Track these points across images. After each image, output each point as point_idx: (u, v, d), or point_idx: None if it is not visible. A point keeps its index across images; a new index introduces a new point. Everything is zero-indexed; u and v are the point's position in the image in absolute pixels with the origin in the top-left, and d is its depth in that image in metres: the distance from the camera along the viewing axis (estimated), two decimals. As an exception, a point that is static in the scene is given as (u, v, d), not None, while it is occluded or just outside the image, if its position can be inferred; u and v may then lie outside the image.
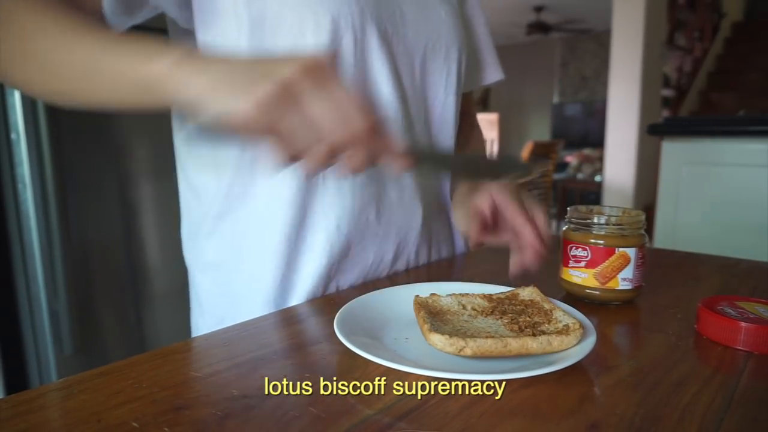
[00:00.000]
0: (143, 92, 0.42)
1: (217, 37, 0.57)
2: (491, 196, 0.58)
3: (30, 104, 1.16)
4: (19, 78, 0.49)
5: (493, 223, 0.59)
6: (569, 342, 0.40)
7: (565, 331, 0.41)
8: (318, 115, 0.38)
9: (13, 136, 1.17)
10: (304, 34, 0.56)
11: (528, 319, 0.45)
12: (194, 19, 0.57)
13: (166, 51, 0.41)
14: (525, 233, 0.56)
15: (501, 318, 0.46)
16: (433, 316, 0.45)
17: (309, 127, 0.38)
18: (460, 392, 0.36)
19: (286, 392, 0.36)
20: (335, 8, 0.55)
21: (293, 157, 0.40)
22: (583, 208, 0.57)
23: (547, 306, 0.47)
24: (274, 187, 0.59)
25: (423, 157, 0.43)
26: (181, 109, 0.41)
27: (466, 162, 0.48)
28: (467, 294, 0.51)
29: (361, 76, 0.60)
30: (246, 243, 0.61)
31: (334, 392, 0.36)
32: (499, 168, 0.46)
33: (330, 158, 0.39)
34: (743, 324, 0.43)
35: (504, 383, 0.37)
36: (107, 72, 0.43)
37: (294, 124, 0.38)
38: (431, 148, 0.49)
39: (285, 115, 0.37)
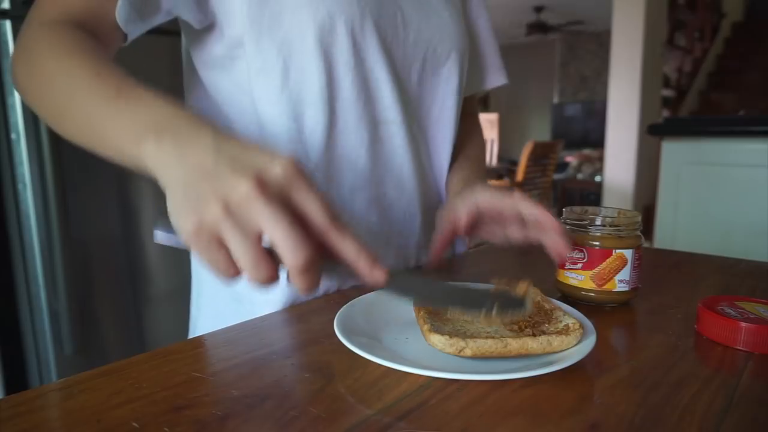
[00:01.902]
0: (135, 164, 0.41)
1: (226, 32, 0.57)
2: (475, 202, 0.57)
3: (30, 104, 1.16)
4: (33, 102, 0.51)
5: (469, 227, 0.58)
6: (569, 342, 0.40)
7: (565, 331, 0.41)
8: (271, 237, 0.33)
9: (13, 136, 1.17)
10: (303, 34, 0.56)
11: (528, 319, 0.45)
12: (212, 19, 0.57)
13: (151, 131, 0.38)
14: (543, 220, 0.52)
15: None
16: (432, 316, 0.45)
17: (254, 247, 0.34)
18: (460, 392, 0.36)
19: (286, 392, 0.36)
20: (333, 10, 0.55)
21: (236, 272, 0.35)
22: (578, 209, 0.57)
23: (547, 306, 0.47)
24: None
25: (402, 279, 0.40)
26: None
27: (453, 294, 0.42)
28: None
29: (359, 79, 0.59)
30: None
31: (334, 392, 0.36)
32: (490, 301, 0.40)
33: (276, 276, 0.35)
34: (743, 324, 0.43)
35: (504, 383, 0.37)
36: (105, 138, 0.42)
37: (238, 243, 0.33)
38: (411, 274, 0.43)
39: (231, 234, 0.33)
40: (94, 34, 0.51)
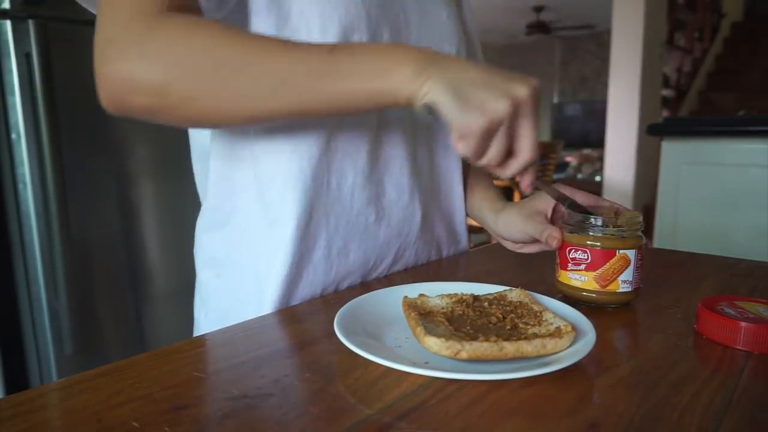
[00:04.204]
0: (369, 102, 0.45)
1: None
2: (548, 200, 0.63)
3: (30, 104, 1.16)
4: (206, 101, 0.46)
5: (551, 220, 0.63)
6: (563, 344, 0.41)
7: (557, 333, 0.42)
8: (527, 134, 0.44)
9: (13, 136, 1.17)
10: (311, 38, 0.55)
11: (516, 320, 0.45)
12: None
13: (400, 62, 0.44)
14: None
15: (489, 317, 0.46)
16: (424, 317, 0.45)
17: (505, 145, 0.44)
18: (460, 392, 0.36)
19: (286, 392, 0.36)
20: (345, 12, 0.55)
21: (483, 158, 0.45)
22: None
23: (536, 308, 0.47)
24: (283, 185, 0.58)
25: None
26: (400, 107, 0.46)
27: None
28: (454, 294, 0.51)
29: None
30: (253, 241, 0.60)
31: (334, 392, 0.36)
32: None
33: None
34: (743, 324, 0.43)
35: (503, 383, 0.37)
36: (338, 87, 0.45)
37: (500, 141, 0.44)
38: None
39: (501, 131, 0.43)
40: None
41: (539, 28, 6.89)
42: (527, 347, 0.39)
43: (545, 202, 0.64)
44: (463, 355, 0.38)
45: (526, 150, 0.45)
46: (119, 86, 0.45)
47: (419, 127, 0.68)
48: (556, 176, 5.41)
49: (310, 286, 0.61)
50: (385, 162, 0.64)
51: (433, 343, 0.39)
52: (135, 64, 0.44)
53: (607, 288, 0.53)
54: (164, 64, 0.44)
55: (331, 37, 0.56)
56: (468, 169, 0.80)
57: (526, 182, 0.49)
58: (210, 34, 0.45)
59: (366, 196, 0.63)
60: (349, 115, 0.57)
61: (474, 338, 0.41)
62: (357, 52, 0.46)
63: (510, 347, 0.39)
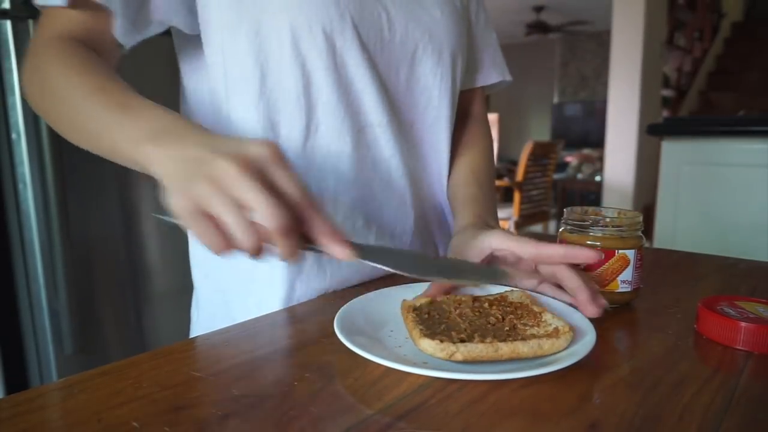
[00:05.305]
0: (136, 166, 0.46)
1: (212, 38, 0.57)
2: (490, 247, 0.53)
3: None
4: (47, 117, 0.55)
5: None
6: (560, 345, 0.40)
7: (554, 334, 0.42)
8: (252, 205, 0.37)
9: (13, 135, 1.17)
10: (280, 41, 0.55)
11: (515, 321, 0.45)
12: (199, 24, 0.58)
13: (150, 136, 0.43)
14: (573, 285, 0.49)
15: (488, 317, 0.46)
16: (422, 320, 0.45)
17: (241, 214, 0.37)
18: (460, 392, 0.36)
19: (285, 392, 0.36)
20: (311, 14, 0.55)
21: (227, 245, 0.38)
22: (578, 209, 0.57)
23: (536, 309, 0.47)
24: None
25: (372, 252, 0.42)
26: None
27: (430, 265, 0.44)
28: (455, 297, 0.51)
29: (340, 83, 0.59)
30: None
31: (334, 392, 0.36)
32: (467, 273, 0.43)
33: (259, 246, 0.38)
34: (743, 324, 0.43)
35: (504, 383, 0.37)
36: (110, 145, 0.47)
37: (226, 212, 0.37)
38: (382, 248, 0.46)
39: (218, 205, 0.37)
40: (95, 49, 0.55)
41: (539, 28, 6.90)
42: (523, 348, 0.39)
43: (476, 255, 0.54)
44: (458, 356, 0.38)
45: (265, 221, 0.36)
46: (25, 94, 0.56)
47: (407, 126, 0.67)
48: (556, 176, 5.40)
49: (306, 291, 0.60)
50: (371, 164, 0.63)
51: (428, 345, 0.39)
52: (24, 84, 0.55)
53: (606, 288, 0.53)
54: (29, 90, 0.54)
55: (305, 42, 0.56)
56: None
57: (334, 251, 0.40)
58: (55, 76, 0.51)
59: (352, 200, 0.62)
60: None
61: (470, 338, 0.41)
62: (127, 115, 0.46)
63: (505, 348, 0.39)
